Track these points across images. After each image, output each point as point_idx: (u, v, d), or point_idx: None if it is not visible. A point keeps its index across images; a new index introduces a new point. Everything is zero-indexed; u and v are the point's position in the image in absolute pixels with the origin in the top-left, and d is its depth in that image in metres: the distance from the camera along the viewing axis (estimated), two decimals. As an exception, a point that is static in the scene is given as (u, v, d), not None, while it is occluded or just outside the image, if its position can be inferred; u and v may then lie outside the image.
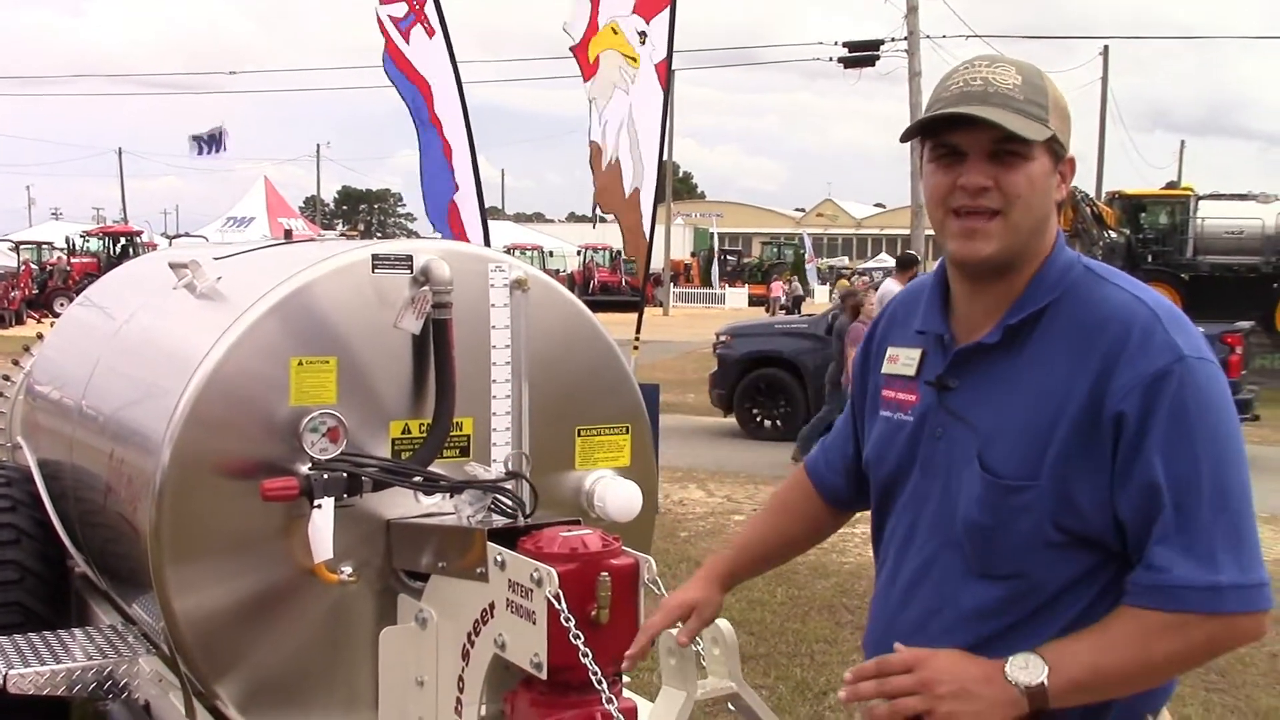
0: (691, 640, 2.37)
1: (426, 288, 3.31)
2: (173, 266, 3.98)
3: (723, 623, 2.48)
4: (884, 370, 2.22)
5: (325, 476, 3.07)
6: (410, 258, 3.37)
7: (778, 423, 15.18)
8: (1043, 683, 1.84)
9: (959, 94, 1.98)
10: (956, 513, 2.03)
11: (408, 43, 7.93)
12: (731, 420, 15.56)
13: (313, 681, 3.29)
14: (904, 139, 2.08)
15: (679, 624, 2.38)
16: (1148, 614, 1.85)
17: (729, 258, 60.49)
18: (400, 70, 8.08)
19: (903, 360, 2.18)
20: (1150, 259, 28.40)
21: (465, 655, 2.99)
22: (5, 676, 3.57)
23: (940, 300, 2.13)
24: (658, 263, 39.16)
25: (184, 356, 3.33)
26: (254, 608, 3.22)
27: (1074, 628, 1.94)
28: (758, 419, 15.33)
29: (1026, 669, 1.85)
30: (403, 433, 3.35)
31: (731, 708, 2.52)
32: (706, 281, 55.83)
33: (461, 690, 3.01)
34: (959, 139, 1.98)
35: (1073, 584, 1.96)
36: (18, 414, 5.40)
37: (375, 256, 3.36)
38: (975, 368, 2.04)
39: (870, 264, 61.32)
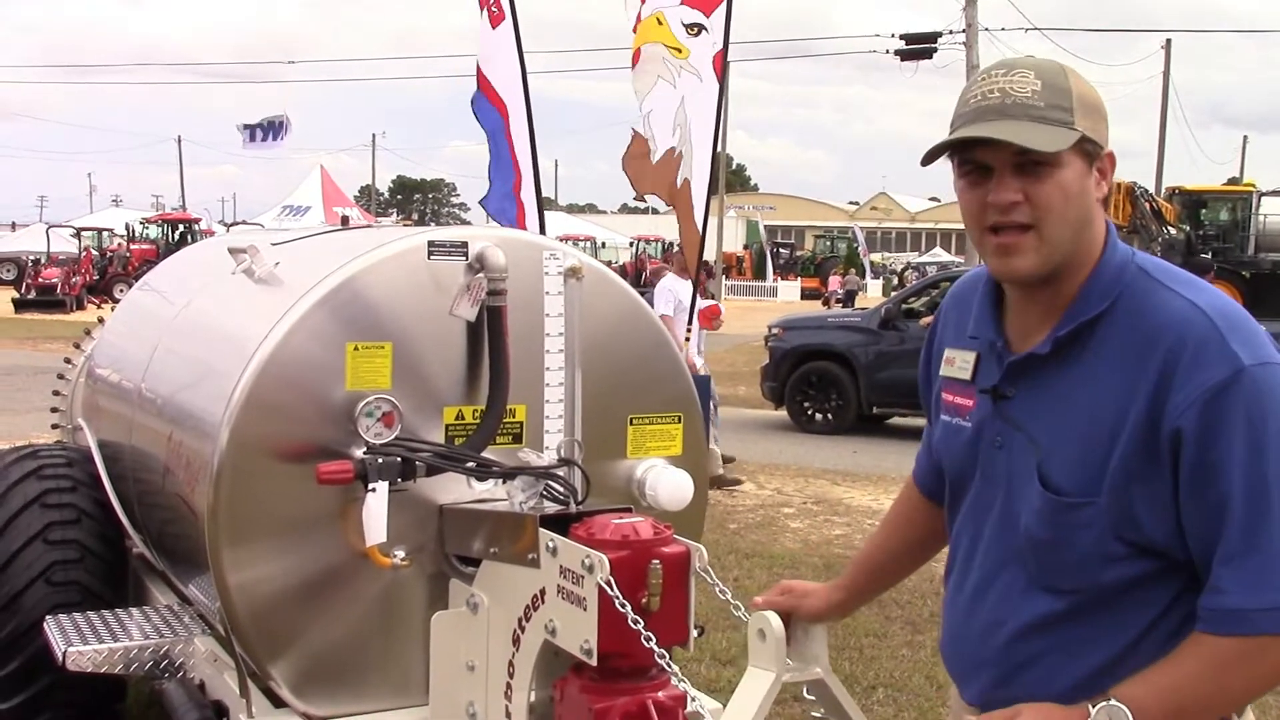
0: (770, 609, 2.41)
1: (482, 274, 3.32)
2: (232, 252, 4.02)
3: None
4: (942, 372, 2.19)
5: (380, 460, 3.09)
6: (466, 244, 3.38)
7: (829, 416, 15.13)
8: None
9: (976, 109, 1.94)
10: (1018, 525, 2.00)
11: (494, 29, 7.95)
12: (783, 413, 15.52)
13: (365, 664, 3.32)
14: (924, 163, 2.03)
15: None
16: (1217, 640, 1.80)
17: (781, 251, 60.28)
18: (487, 98, 8.07)
19: (959, 363, 2.14)
20: (1211, 255, 28.04)
21: (516, 641, 3.00)
22: (65, 654, 3.63)
23: (992, 305, 2.09)
24: (709, 255, 39.04)
25: (242, 340, 3.37)
26: (308, 590, 3.25)
27: (1146, 638, 1.90)
28: (809, 412, 15.29)
29: None
30: (456, 419, 3.36)
31: (809, 695, 2.51)
32: (759, 274, 55.67)
33: (512, 675, 3.02)
34: (983, 155, 1.95)
35: (1139, 595, 1.91)
36: (79, 396, 5.49)
37: (431, 243, 3.37)
38: (1030, 378, 2.00)
39: (925, 258, 60.94)
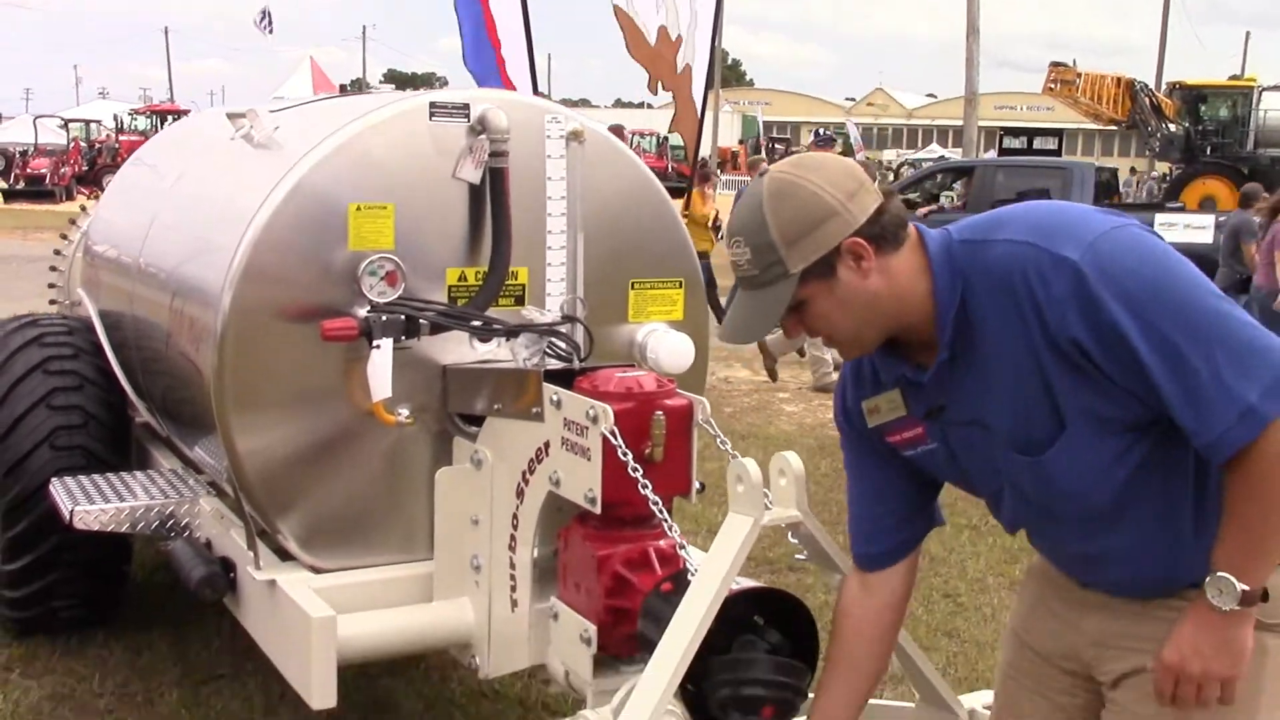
0: None
1: (484, 136, 3.31)
2: (230, 117, 4.00)
3: (791, 455, 2.51)
4: (871, 425, 2.26)
5: (384, 318, 3.11)
6: (468, 106, 3.36)
7: (824, 307, 15.13)
8: (1243, 590, 1.90)
9: None
10: (1029, 496, 2.09)
11: None
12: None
13: (371, 520, 3.37)
14: None
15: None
16: (1231, 468, 1.89)
17: (776, 146, 59.76)
18: None
19: (885, 407, 2.22)
20: (1209, 151, 27.91)
21: (520, 494, 3.05)
22: (71, 513, 3.68)
23: (887, 346, 2.16)
24: (705, 150, 38.72)
25: (241, 204, 3.36)
26: (315, 449, 3.28)
27: (1201, 485, 2.00)
28: (804, 303, 15.28)
29: (1222, 594, 1.91)
30: (459, 280, 3.37)
31: (792, 539, 2.57)
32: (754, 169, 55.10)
33: (516, 528, 3.08)
34: None
35: (1163, 462, 1.99)
36: (76, 271, 5.48)
37: (433, 104, 3.36)
38: (950, 384, 2.08)
39: (921, 154, 60.54)
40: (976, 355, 2.03)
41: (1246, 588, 1.90)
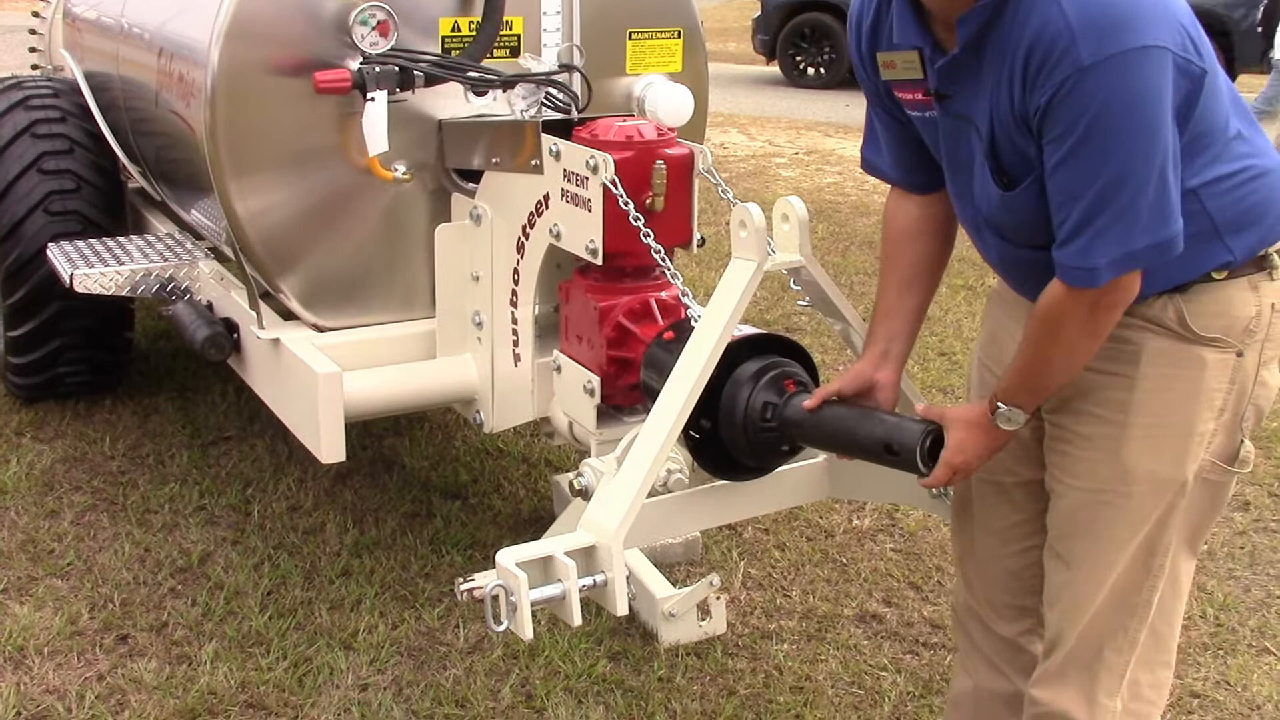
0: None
1: (474, -124, 3.17)
2: None
3: (794, 199, 2.47)
4: (884, 78, 2.18)
5: (377, 70, 3.04)
6: None
7: (821, 70, 14.88)
8: (1024, 416, 2.07)
9: None
10: (984, 208, 2.09)
11: None
12: (774, 68, 15.26)
13: (373, 278, 3.35)
14: None
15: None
16: (1042, 298, 1.98)
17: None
18: None
19: (901, 65, 2.13)
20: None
21: (520, 248, 3.04)
22: (71, 276, 3.67)
23: (912, 11, 2.06)
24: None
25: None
26: (313, 206, 3.25)
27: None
28: (801, 66, 15.03)
29: (1011, 420, 2.07)
30: (452, 30, 3.28)
31: (794, 286, 2.56)
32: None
33: (517, 283, 3.08)
34: None
35: None
36: (57, 34, 5.33)
37: None
38: (958, 75, 2.02)
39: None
40: (982, 65, 1.98)
41: (1026, 416, 2.08)
